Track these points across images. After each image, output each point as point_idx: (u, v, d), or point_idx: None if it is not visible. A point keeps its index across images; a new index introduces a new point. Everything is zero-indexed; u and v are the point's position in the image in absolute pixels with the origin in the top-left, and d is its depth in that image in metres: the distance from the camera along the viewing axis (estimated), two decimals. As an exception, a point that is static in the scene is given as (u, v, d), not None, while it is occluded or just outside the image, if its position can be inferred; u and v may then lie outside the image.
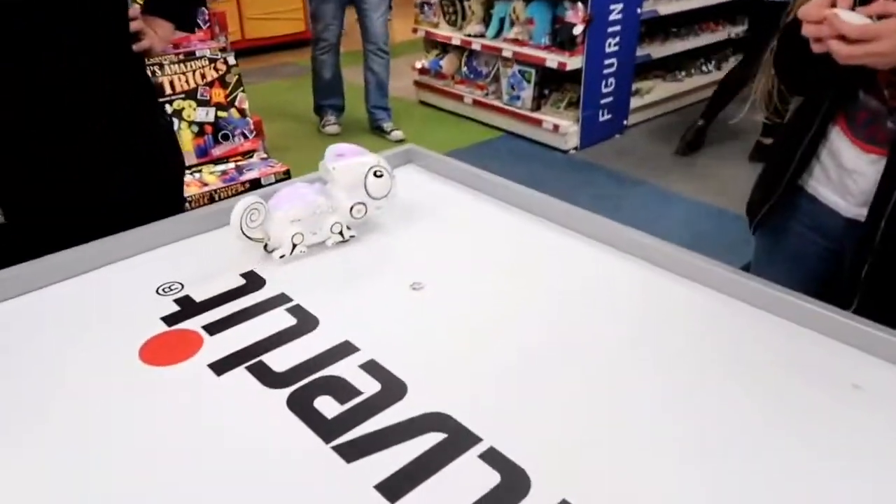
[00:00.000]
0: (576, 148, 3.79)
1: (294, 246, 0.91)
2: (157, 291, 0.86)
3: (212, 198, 2.65)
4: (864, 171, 0.94)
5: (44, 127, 1.05)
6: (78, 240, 0.93)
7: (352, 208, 0.94)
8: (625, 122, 3.99)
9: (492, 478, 0.59)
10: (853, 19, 0.80)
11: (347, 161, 0.94)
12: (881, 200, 0.91)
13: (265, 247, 0.91)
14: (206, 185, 2.70)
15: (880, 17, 0.79)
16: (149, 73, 1.34)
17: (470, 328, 0.79)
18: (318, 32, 3.75)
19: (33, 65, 1.01)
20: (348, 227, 0.95)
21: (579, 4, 3.52)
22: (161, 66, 2.64)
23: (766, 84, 1.07)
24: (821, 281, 1.06)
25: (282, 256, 0.91)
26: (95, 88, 1.09)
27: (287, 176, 2.80)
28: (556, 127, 3.74)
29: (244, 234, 0.88)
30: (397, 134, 3.91)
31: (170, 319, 0.81)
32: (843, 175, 0.97)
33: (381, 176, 0.95)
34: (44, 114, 1.05)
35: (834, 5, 0.81)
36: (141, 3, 1.29)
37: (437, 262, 0.93)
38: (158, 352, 0.76)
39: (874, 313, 0.76)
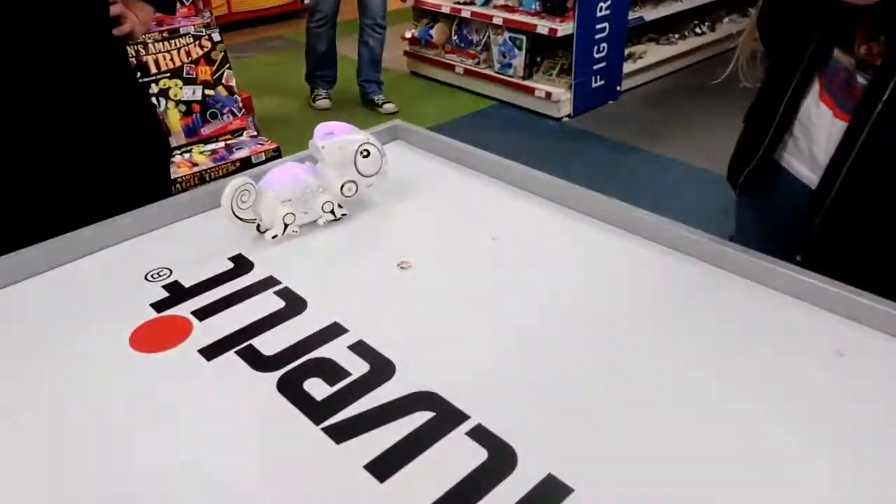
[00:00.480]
0: (569, 115, 3.77)
1: (286, 226, 0.91)
2: (145, 278, 0.86)
3: (202, 178, 2.64)
4: (834, 142, 0.94)
5: (43, 127, 1.05)
6: (71, 227, 0.92)
7: (342, 186, 0.94)
8: (618, 88, 3.96)
9: (479, 454, 0.60)
10: None
11: (336, 139, 0.94)
12: (837, 163, 0.90)
13: (257, 227, 0.91)
14: (196, 165, 2.69)
15: None
16: (131, 59, 1.33)
17: (457, 306, 0.80)
18: (314, 4, 3.67)
19: (33, 65, 1.00)
20: (340, 206, 0.95)
21: (569, -32, 3.46)
22: (145, 45, 2.60)
23: (749, 46, 1.06)
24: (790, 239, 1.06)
25: (274, 237, 0.91)
26: (95, 88, 1.09)
27: (278, 154, 2.78)
28: (548, 94, 3.71)
29: (235, 215, 0.88)
30: (389, 107, 3.88)
31: (159, 306, 0.81)
32: (814, 146, 0.97)
33: (370, 154, 0.94)
34: (43, 114, 1.05)
35: None
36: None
37: (425, 241, 0.93)
38: (148, 339, 0.76)
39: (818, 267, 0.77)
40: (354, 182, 0.94)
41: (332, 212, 0.94)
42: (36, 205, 1.08)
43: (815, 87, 0.97)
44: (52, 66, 1.02)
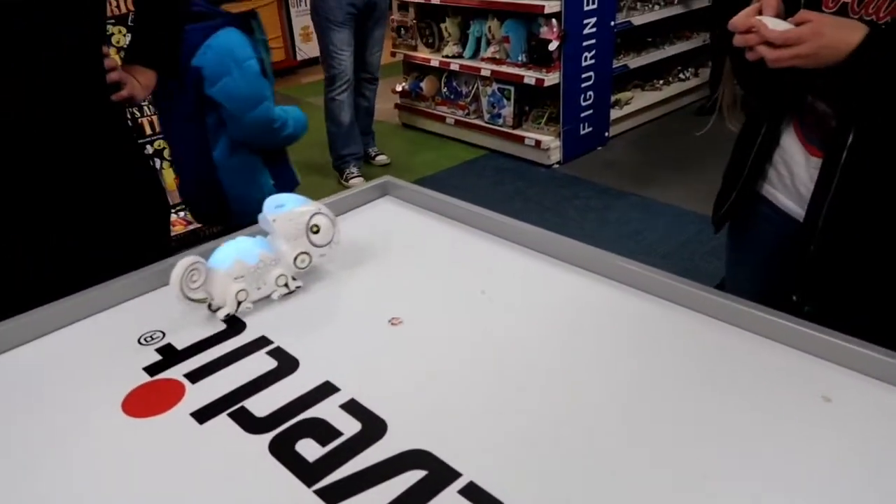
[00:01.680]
0: (559, 162, 3.83)
1: (239, 303, 0.89)
2: (139, 341, 0.87)
3: (196, 235, 2.66)
4: (813, 177, 0.97)
5: (44, 192, 1.05)
6: (60, 291, 0.93)
7: (295, 259, 0.92)
8: (606, 134, 4.04)
9: (472, 513, 0.60)
10: (778, 26, 0.86)
11: (287, 212, 0.93)
12: (818, 200, 0.94)
13: (209, 306, 0.89)
14: (190, 223, 2.71)
15: (799, 23, 0.84)
16: (129, 123, 1.35)
17: (448, 362, 0.81)
18: (335, 68, 3.42)
19: (31, 129, 1.02)
20: (293, 278, 0.94)
21: (553, 21, 3.57)
22: (140, 107, 2.66)
23: (730, 93, 1.10)
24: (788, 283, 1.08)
25: (227, 316, 0.89)
26: (94, 153, 1.10)
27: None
28: (538, 143, 3.78)
29: (185, 296, 0.86)
30: (382, 158, 3.93)
31: (152, 369, 0.82)
32: (797, 181, 1.00)
33: (321, 224, 0.94)
34: (42, 179, 1.05)
35: (760, 13, 0.86)
36: (118, 46, 1.30)
37: (415, 296, 0.94)
38: (141, 403, 0.76)
39: (818, 313, 0.78)
40: (308, 253, 0.93)
41: (286, 285, 0.93)
42: (18, 262, 1.08)
43: (792, 125, 1.01)
44: (50, 129, 1.04)
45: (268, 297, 0.93)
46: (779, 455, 0.64)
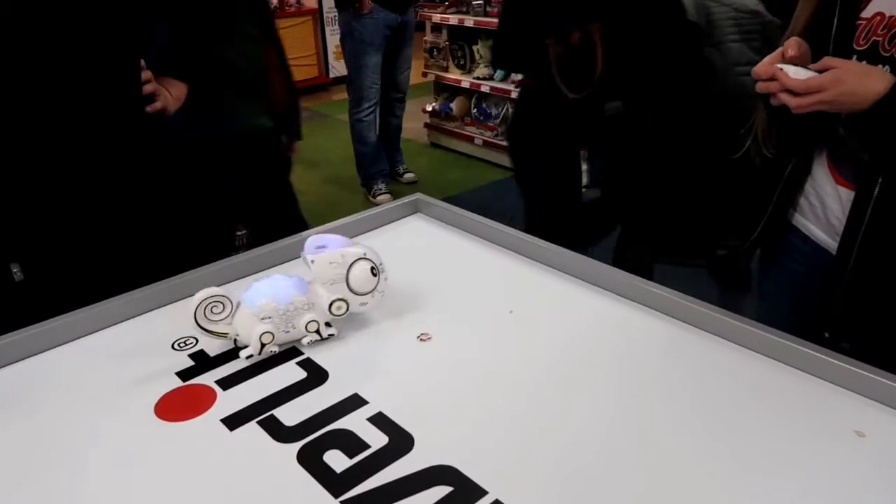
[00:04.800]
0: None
1: (262, 345, 0.83)
2: (172, 346, 0.89)
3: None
4: (846, 210, 0.96)
5: (61, 182, 1.09)
6: (98, 295, 0.96)
7: (331, 305, 0.86)
8: (634, 160, 4.02)
9: (497, 532, 0.60)
10: (799, 74, 0.87)
11: (327, 254, 0.86)
12: (851, 233, 0.93)
13: (234, 342, 0.86)
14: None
15: (822, 70, 0.85)
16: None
17: (476, 379, 0.81)
18: (362, 90, 3.48)
19: (49, 116, 1.05)
20: (328, 324, 0.87)
21: (585, 46, 3.59)
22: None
23: (763, 118, 1.10)
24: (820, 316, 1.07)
25: (249, 357, 0.84)
26: (124, 162, 1.13)
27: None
28: (565, 166, 3.77)
29: (200, 326, 0.83)
30: (410, 176, 3.97)
31: (184, 374, 0.83)
32: (829, 213, 0.99)
33: (366, 270, 0.86)
34: (61, 167, 1.09)
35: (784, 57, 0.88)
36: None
37: (445, 313, 0.95)
38: (173, 407, 0.78)
39: (856, 349, 0.78)
40: (345, 301, 0.86)
41: (318, 331, 0.86)
42: (56, 262, 1.11)
43: (824, 157, 1.01)
44: (92, 135, 1.07)
45: (298, 341, 0.87)
46: (810, 490, 0.64)
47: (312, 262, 0.86)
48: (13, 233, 1.09)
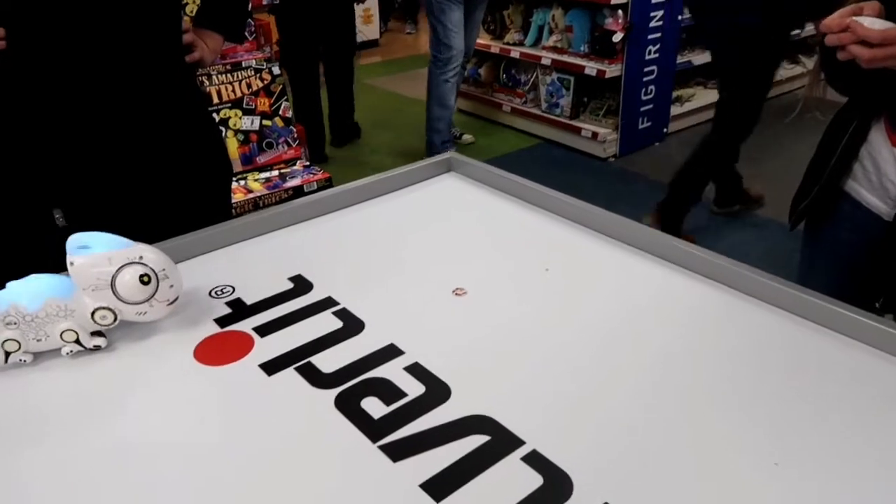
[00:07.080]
0: (615, 156, 3.77)
1: (7, 354, 0.74)
2: (210, 294, 0.90)
3: (256, 204, 2.71)
4: None
5: (103, 129, 1.11)
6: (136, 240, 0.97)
7: (94, 313, 0.75)
8: (665, 130, 3.96)
9: (534, 480, 0.60)
10: (875, 25, 0.84)
11: (90, 256, 0.75)
12: None
13: None
14: (250, 192, 2.77)
15: None
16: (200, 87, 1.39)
17: (511, 332, 0.81)
18: (452, 49, 3.32)
19: (94, 64, 1.06)
20: (99, 334, 0.77)
21: (619, 12, 3.51)
22: (209, 76, 2.72)
23: (816, 82, 1.07)
24: (866, 282, 1.05)
25: None
26: (167, 110, 1.14)
27: (329, 184, 2.85)
28: (594, 135, 3.73)
29: None
30: (468, 137, 3.99)
31: (223, 321, 0.84)
32: (883, 178, 0.96)
33: (135, 278, 0.75)
34: (116, 128, 1.10)
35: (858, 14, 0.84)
36: (191, 16, 1.35)
37: (479, 269, 0.94)
38: (212, 352, 0.79)
39: None
40: (111, 310, 0.75)
41: (78, 341, 0.75)
42: (95, 207, 1.12)
43: (882, 120, 0.98)
44: (131, 83, 1.08)
45: (58, 350, 0.76)
46: (862, 458, 0.63)
47: (72, 263, 0.75)
48: (56, 179, 1.10)
